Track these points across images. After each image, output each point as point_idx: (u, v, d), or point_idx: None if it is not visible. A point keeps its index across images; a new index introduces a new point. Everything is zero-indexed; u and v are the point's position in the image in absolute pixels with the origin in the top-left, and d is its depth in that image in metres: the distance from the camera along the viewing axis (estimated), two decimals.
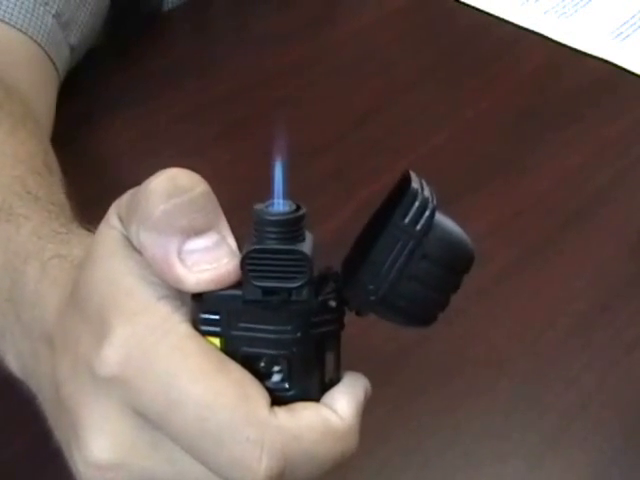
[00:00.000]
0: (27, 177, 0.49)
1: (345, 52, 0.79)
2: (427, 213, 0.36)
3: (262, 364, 0.36)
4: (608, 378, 0.56)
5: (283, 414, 0.36)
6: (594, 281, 0.62)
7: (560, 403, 0.55)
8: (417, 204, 0.36)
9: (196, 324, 0.36)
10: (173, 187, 0.35)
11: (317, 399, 0.37)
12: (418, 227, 0.36)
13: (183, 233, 0.35)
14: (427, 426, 0.53)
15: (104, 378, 0.36)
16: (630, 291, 0.61)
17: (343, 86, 0.76)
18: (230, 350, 0.36)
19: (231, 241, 0.36)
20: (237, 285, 0.36)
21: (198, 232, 0.36)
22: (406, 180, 0.37)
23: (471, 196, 0.66)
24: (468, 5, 0.83)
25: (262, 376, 0.36)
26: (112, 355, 0.35)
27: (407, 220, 0.36)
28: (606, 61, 0.78)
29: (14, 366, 0.43)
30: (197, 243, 0.36)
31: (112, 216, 0.37)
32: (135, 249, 0.37)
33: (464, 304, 0.59)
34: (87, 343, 0.36)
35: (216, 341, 0.36)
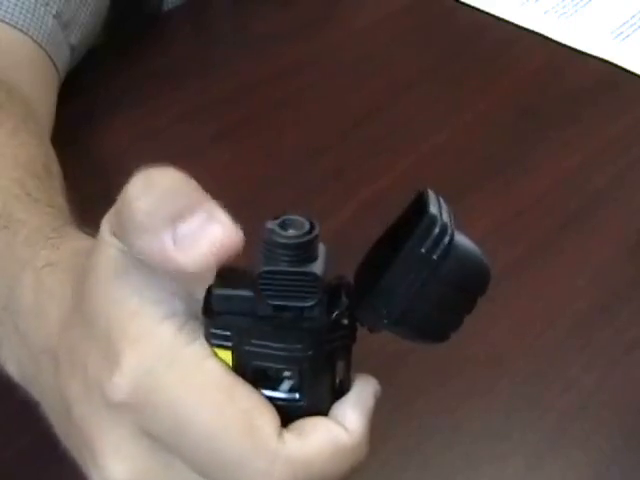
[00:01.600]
0: (26, 180, 0.49)
1: (345, 52, 0.79)
2: (446, 240, 0.35)
3: (273, 375, 0.36)
4: (608, 378, 0.56)
5: (292, 441, 0.36)
6: (594, 281, 0.62)
7: (560, 403, 0.55)
8: (436, 231, 0.35)
9: (208, 338, 0.36)
10: (145, 185, 0.35)
11: (328, 407, 0.37)
12: (435, 256, 0.35)
13: (170, 223, 0.35)
14: (427, 426, 0.53)
15: (116, 404, 0.36)
16: (630, 291, 0.61)
17: (343, 86, 0.76)
18: (241, 363, 0.36)
19: (220, 214, 0.35)
20: (248, 300, 0.35)
21: (184, 216, 0.35)
22: (423, 200, 0.36)
23: (471, 196, 0.66)
24: (468, 5, 0.83)
25: (273, 385, 0.36)
26: (122, 383, 0.35)
27: (424, 249, 0.34)
28: (606, 61, 0.78)
29: (14, 373, 0.43)
30: (188, 226, 0.35)
31: (105, 233, 0.37)
32: (135, 265, 0.36)
33: None
34: (97, 367, 0.36)
35: (227, 354, 0.36)
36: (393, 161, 0.69)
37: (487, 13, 0.83)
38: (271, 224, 0.35)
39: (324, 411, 0.37)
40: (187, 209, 0.35)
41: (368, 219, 0.63)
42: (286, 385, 0.36)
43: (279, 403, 0.36)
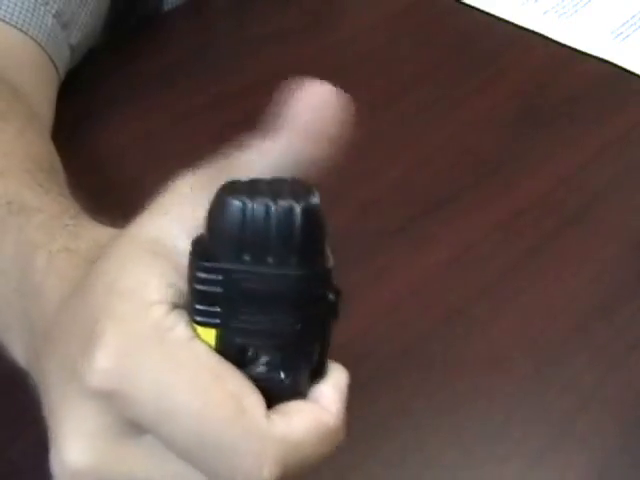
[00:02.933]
0: (37, 173, 0.49)
1: (345, 52, 0.79)
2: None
3: (256, 353, 0.36)
4: (608, 378, 0.56)
5: (280, 422, 0.36)
6: (594, 281, 0.62)
7: (560, 403, 0.55)
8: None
9: (192, 315, 0.36)
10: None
11: (306, 389, 0.37)
12: None
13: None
14: (427, 426, 0.53)
15: (91, 385, 0.35)
16: (630, 291, 0.61)
17: (343, 86, 0.76)
18: (225, 341, 0.36)
19: None
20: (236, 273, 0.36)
21: None
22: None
23: (471, 196, 0.66)
24: (468, 5, 0.83)
25: (254, 365, 0.36)
26: (102, 363, 0.35)
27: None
28: (606, 61, 0.78)
29: (20, 357, 0.43)
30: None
31: (171, 222, 0.37)
32: (161, 252, 0.37)
33: (464, 304, 0.60)
34: (77, 345, 0.36)
35: (211, 332, 0.36)
36: (393, 161, 0.69)
37: (487, 13, 0.83)
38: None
39: (303, 393, 0.37)
40: None
41: (368, 219, 0.63)
42: (265, 365, 0.36)
43: (261, 384, 0.36)
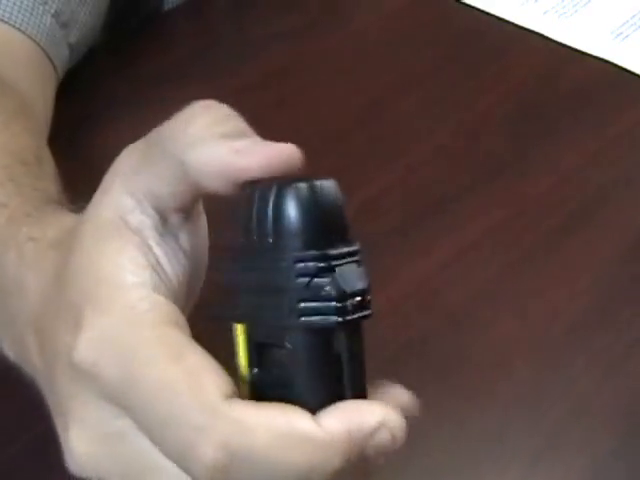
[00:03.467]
0: (15, 167, 0.49)
1: (345, 52, 0.79)
2: None
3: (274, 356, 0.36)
4: (608, 379, 0.56)
5: (242, 407, 0.34)
6: (594, 281, 0.62)
7: (560, 404, 0.55)
8: None
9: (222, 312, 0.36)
10: (204, 107, 0.38)
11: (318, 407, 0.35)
12: None
13: (228, 138, 0.36)
14: (427, 426, 0.53)
15: (78, 368, 0.36)
16: (630, 291, 0.61)
17: (343, 86, 0.76)
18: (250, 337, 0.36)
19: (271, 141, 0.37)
20: None
21: (241, 136, 0.37)
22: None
23: (471, 196, 0.66)
24: (468, 5, 0.83)
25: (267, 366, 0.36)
26: (82, 345, 0.36)
27: None
28: (606, 61, 0.78)
29: (10, 353, 0.43)
30: (244, 142, 0.36)
31: (122, 196, 0.38)
32: (125, 231, 0.37)
33: (465, 304, 0.60)
34: (63, 331, 0.37)
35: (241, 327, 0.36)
36: (393, 161, 0.69)
37: (487, 13, 0.83)
38: None
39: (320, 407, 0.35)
40: (242, 132, 0.37)
41: (368, 219, 0.63)
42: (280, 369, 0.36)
43: (273, 391, 0.35)
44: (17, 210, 0.45)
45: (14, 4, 0.62)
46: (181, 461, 0.35)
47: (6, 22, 0.62)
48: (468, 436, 0.53)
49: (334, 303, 0.34)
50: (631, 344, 0.58)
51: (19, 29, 0.62)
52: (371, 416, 0.35)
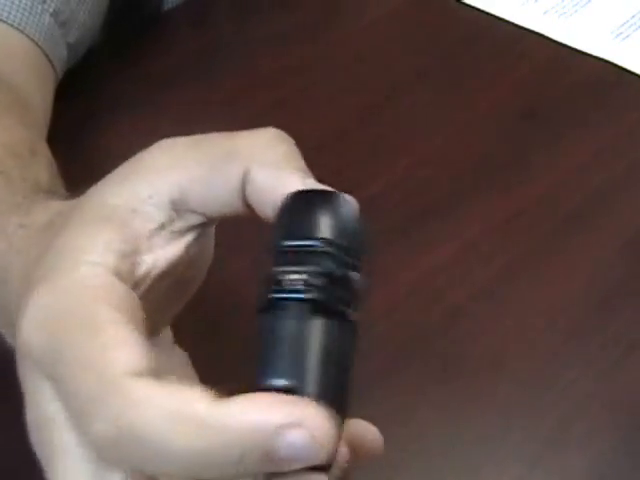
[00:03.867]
0: (5, 158, 0.49)
1: (345, 52, 0.79)
2: None
3: None
4: (608, 379, 0.56)
5: (144, 384, 0.33)
6: (594, 281, 0.61)
7: (560, 404, 0.55)
8: None
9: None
10: (280, 135, 0.40)
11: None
12: None
13: (302, 173, 0.38)
14: (427, 427, 0.53)
15: (19, 340, 0.36)
16: (630, 292, 0.61)
17: (343, 86, 0.76)
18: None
19: None
20: None
21: (308, 174, 0.38)
22: None
23: (471, 196, 0.66)
24: (468, 5, 0.83)
25: None
26: (27, 318, 0.36)
27: None
28: (606, 61, 0.78)
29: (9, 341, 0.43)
30: (311, 179, 0.39)
31: (142, 184, 0.39)
32: (115, 217, 0.37)
33: (464, 304, 0.60)
34: (20, 304, 0.37)
35: None
36: (393, 161, 0.69)
37: (487, 13, 0.83)
38: None
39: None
40: (307, 170, 0.39)
41: (368, 219, 0.63)
42: None
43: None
44: (4, 201, 0.45)
45: (12, 3, 0.62)
46: (82, 435, 0.35)
47: (4, 21, 0.62)
48: (468, 436, 0.53)
49: (323, 280, 0.35)
50: (631, 344, 0.58)
51: (17, 28, 0.62)
52: (286, 412, 0.32)
